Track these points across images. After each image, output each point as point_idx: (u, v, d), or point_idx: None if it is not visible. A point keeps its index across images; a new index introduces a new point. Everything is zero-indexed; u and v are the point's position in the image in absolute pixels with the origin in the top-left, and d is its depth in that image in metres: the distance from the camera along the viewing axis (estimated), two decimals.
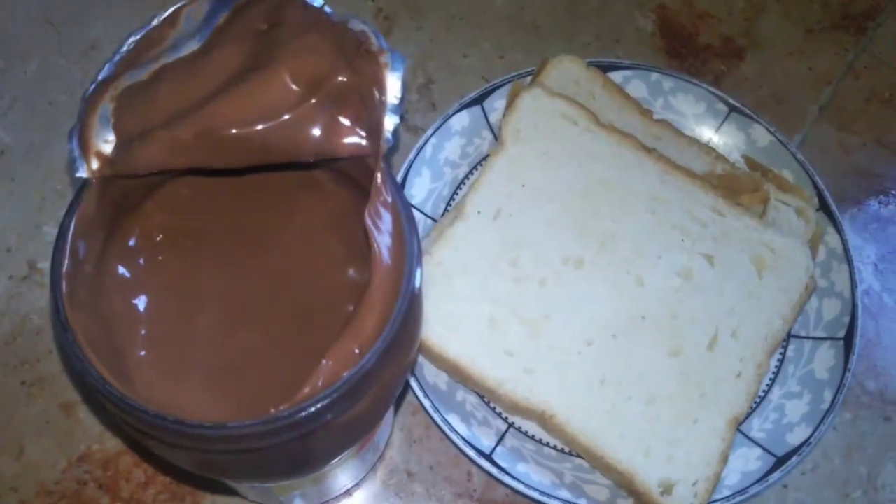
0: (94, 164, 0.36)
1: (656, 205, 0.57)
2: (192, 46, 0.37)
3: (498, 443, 0.52)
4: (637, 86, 0.63)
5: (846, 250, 0.58)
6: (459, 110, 0.60)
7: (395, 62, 0.37)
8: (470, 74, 0.68)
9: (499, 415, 0.54)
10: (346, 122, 0.35)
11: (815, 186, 0.60)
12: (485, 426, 0.53)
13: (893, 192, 0.66)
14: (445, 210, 0.59)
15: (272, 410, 0.32)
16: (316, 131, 0.35)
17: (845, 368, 0.55)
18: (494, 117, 0.61)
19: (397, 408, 0.55)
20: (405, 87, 0.37)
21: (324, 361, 0.33)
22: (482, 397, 0.54)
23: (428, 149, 0.59)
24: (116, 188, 0.37)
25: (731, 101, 0.63)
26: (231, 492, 0.53)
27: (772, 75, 0.70)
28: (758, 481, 0.52)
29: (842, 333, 0.56)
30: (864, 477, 0.57)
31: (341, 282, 0.40)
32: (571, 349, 0.53)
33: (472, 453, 0.51)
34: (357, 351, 0.34)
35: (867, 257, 0.63)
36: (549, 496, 0.50)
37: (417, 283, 0.36)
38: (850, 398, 0.58)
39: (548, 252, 0.55)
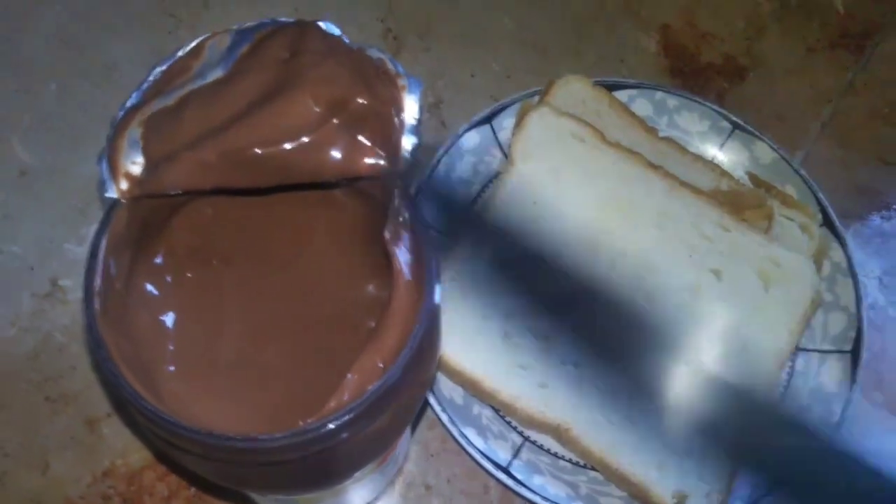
0: (123, 185, 0.37)
1: (664, 221, 0.58)
2: (217, 74, 0.39)
3: (514, 456, 0.53)
4: (642, 104, 0.65)
5: (850, 265, 0.59)
6: (469, 129, 0.62)
7: (411, 85, 0.38)
8: (478, 94, 0.69)
9: (514, 428, 0.55)
10: (365, 142, 0.37)
11: (819, 202, 0.61)
12: (501, 439, 0.54)
13: (895, 207, 0.67)
14: None
15: (300, 423, 0.34)
16: (337, 152, 0.36)
17: (852, 382, 0.56)
18: (504, 136, 0.63)
19: (415, 422, 0.56)
20: (422, 109, 0.38)
21: (349, 375, 0.35)
22: (497, 411, 0.55)
23: (440, 168, 0.60)
24: (144, 208, 0.38)
25: (735, 118, 0.64)
26: None
27: (773, 93, 0.71)
28: (769, 494, 0.53)
29: (848, 347, 0.57)
30: None
31: (361, 298, 0.41)
32: (584, 363, 0.54)
33: (489, 466, 0.52)
34: (381, 365, 0.35)
35: (871, 272, 0.64)
36: None
37: (437, 299, 0.37)
38: (857, 412, 0.59)
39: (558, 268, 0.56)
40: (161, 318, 0.39)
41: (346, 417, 0.34)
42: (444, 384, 0.55)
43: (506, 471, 0.52)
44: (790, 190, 0.62)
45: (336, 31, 0.41)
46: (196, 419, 0.37)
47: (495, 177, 0.62)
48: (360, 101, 0.37)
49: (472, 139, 0.62)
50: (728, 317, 0.56)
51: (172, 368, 0.39)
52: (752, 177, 0.63)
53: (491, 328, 0.54)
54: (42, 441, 0.55)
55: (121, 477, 0.54)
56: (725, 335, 0.56)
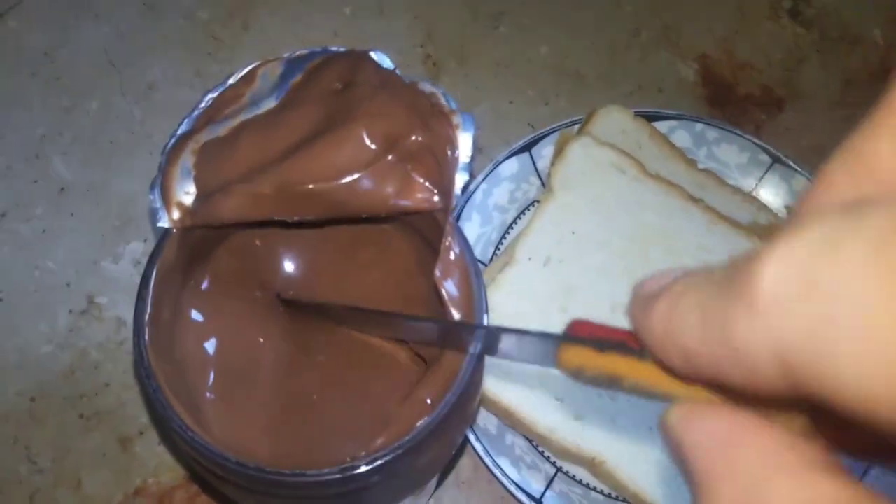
0: (175, 215, 0.38)
1: (702, 253, 0.58)
2: (269, 104, 0.39)
3: (547, 487, 0.53)
4: (682, 135, 0.64)
5: None
6: (509, 157, 0.62)
7: (465, 122, 0.38)
8: (515, 120, 0.69)
9: (547, 458, 0.55)
10: (419, 179, 0.37)
11: None
12: (534, 470, 0.54)
13: None
14: (494, 254, 0.61)
15: (348, 459, 0.34)
16: (390, 188, 0.37)
17: None
18: (542, 164, 0.63)
19: (456, 454, 0.56)
20: (475, 146, 0.38)
21: (397, 411, 0.35)
22: (530, 441, 0.55)
23: (478, 194, 0.60)
24: (194, 237, 0.39)
25: (775, 151, 0.64)
26: None
27: (812, 125, 0.71)
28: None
29: None
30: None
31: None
32: (620, 396, 0.54)
33: (522, 497, 0.52)
34: (429, 401, 0.35)
35: None
36: None
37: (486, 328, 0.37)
38: None
39: (597, 299, 0.56)
40: (204, 344, 0.40)
41: (396, 453, 0.34)
42: (479, 414, 0.55)
43: (539, 502, 0.52)
44: None
45: (389, 63, 0.41)
46: (238, 448, 0.37)
47: (532, 204, 0.62)
48: (416, 137, 0.37)
49: (510, 167, 0.62)
50: None
51: (212, 395, 0.39)
52: (791, 211, 0.63)
53: None
54: (75, 458, 0.55)
55: (152, 496, 0.54)
56: None
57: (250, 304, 0.42)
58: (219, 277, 0.41)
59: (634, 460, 0.52)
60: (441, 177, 0.37)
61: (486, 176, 0.61)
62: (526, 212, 0.62)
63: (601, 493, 0.54)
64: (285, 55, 0.42)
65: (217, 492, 0.44)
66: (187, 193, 0.38)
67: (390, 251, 0.42)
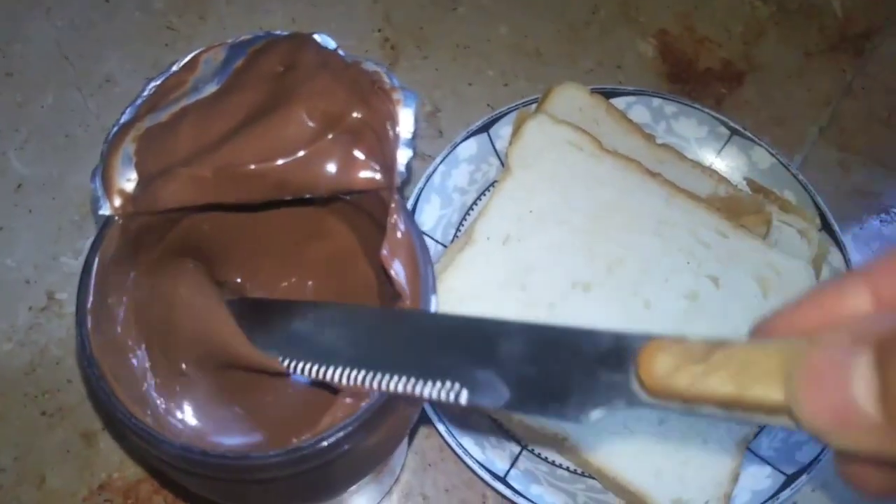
0: (117, 202, 0.37)
1: (662, 228, 0.58)
2: (211, 89, 0.39)
3: (512, 465, 0.53)
4: (640, 111, 0.64)
5: (849, 268, 0.59)
6: (467, 138, 0.62)
7: (407, 98, 0.38)
8: (475, 102, 0.69)
9: (511, 437, 0.55)
10: (360, 156, 0.37)
11: (817, 207, 0.61)
12: (498, 449, 0.54)
13: (894, 210, 0.67)
14: (455, 236, 0.60)
15: (294, 440, 0.34)
16: (332, 166, 0.36)
17: None
18: (501, 144, 0.62)
19: (412, 432, 0.56)
20: (417, 122, 0.38)
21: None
22: (495, 420, 0.55)
23: (437, 176, 0.60)
24: (137, 224, 0.38)
25: (733, 124, 0.64)
26: None
27: (772, 98, 0.71)
28: (768, 500, 0.53)
29: None
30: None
31: None
32: None
33: (486, 476, 0.52)
34: None
35: None
36: None
37: (433, 311, 0.37)
38: None
39: (556, 276, 0.56)
40: (154, 333, 0.39)
41: (340, 434, 0.33)
42: None
43: (503, 481, 0.52)
44: (788, 195, 0.62)
45: (332, 44, 0.40)
46: (186, 434, 0.37)
47: (492, 185, 0.62)
48: (356, 115, 0.36)
49: (469, 148, 0.62)
50: (726, 323, 0.56)
51: (159, 383, 0.38)
52: (751, 182, 0.63)
53: None
54: (38, 455, 0.55)
55: (117, 490, 0.54)
56: None
57: (197, 290, 0.42)
58: (167, 266, 0.41)
59: (597, 436, 0.52)
60: (383, 154, 0.37)
61: (445, 158, 0.61)
62: (486, 192, 0.62)
63: (566, 469, 0.54)
64: (228, 41, 0.42)
65: (176, 484, 0.44)
66: (129, 181, 0.38)
67: (337, 232, 0.42)
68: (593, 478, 0.54)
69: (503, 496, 0.52)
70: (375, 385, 0.32)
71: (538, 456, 0.55)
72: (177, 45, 0.70)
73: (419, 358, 0.32)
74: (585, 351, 0.29)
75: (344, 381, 0.33)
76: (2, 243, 0.61)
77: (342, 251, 0.42)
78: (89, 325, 0.35)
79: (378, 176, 0.37)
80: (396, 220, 0.36)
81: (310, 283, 0.43)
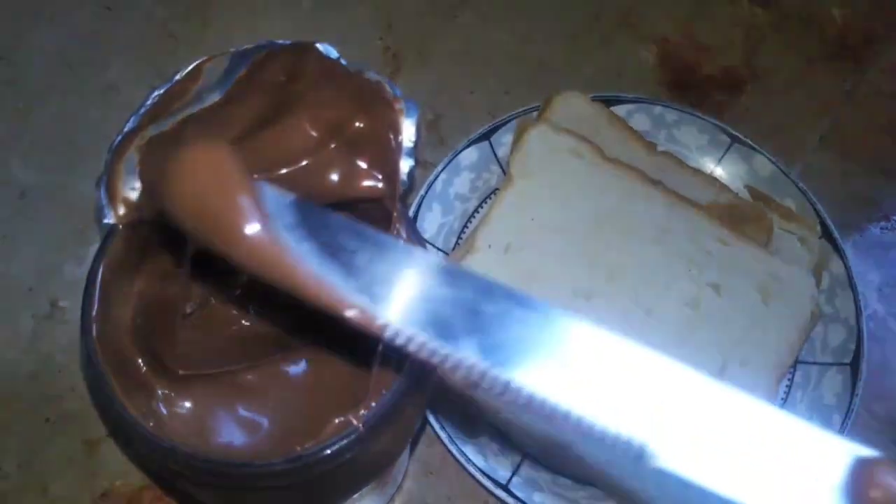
0: (121, 211, 0.37)
1: (663, 236, 0.58)
2: (215, 98, 0.39)
3: (514, 473, 0.53)
4: (640, 119, 0.65)
5: (850, 277, 0.59)
6: (468, 146, 0.62)
7: (409, 108, 0.38)
8: (477, 110, 0.69)
9: (514, 445, 0.55)
10: (363, 165, 0.37)
11: (818, 214, 0.61)
12: (500, 457, 0.54)
13: (894, 218, 0.67)
14: (456, 243, 0.61)
15: (297, 449, 0.34)
16: (335, 175, 0.37)
17: (853, 394, 0.56)
18: (502, 152, 0.63)
19: (414, 440, 0.56)
20: (419, 132, 0.38)
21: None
22: (497, 428, 0.55)
23: (438, 184, 0.60)
24: (141, 233, 0.39)
25: (734, 132, 0.64)
26: None
27: (772, 105, 0.71)
28: None
29: (848, 359, 0.57)
30: None
31: None
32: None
33: (489, 484, 0.52)
34: (384, 391, 0.35)
35: (871, 283, 0.64)
36: None
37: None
38: (859, 423, 0.59)
39: (557, 285, 0.56)
40: (159, 341, 0.40)
41: (344, 442, 0.34)
42: (445, 402, 0.55)
43: (506, 489, 0.52)
44: (789, 202, 0.62)
45: (334, 53, 0.41)
46: (191, 441, 0.37)
47: (493, 193, 0.62)
48: (358, 124, 0.37)
49: (470, 155, 0.62)
50: (728, 331, 0.56)
51: (166, 390, 0.38)
52: (752, 190, 0.63)
53: None
54: (41, 463, 0.55)
55: (120, 498, 0.54)
56: (724, 349, 0.55)
57: (205, 299, 0.42)
58: (168, 273, 0.41)
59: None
60: (385, 163, 0.37)
61: (446, 166, 0.61)
62: (487, 200, 0.62)
63: (569, 477, 0.54)
64: (231, 49, 0.42)
65: (179, 491, 0.44)
66: (133, 189, 0.38)
67: None
68: (595, 485, 0.54)
69: None
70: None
71: (540, 464, 0.55)
72: (179, 53, 0.70)
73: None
74: None
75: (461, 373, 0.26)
76: (5, 251, 0.61)
77: None
78: (94, 333, 0.36)
79: (380, 185, 0.37)
80: (399, 229, 0.37)
81: None
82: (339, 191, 0.37)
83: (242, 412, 0.40)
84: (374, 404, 0.35)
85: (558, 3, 0.75)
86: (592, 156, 0.60)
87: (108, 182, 0.38)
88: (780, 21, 0.76)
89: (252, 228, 0.26)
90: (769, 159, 0.63)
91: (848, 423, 0.55)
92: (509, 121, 0.63)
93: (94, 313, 0.36)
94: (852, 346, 0.57)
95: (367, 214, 0.41)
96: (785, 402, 0.57)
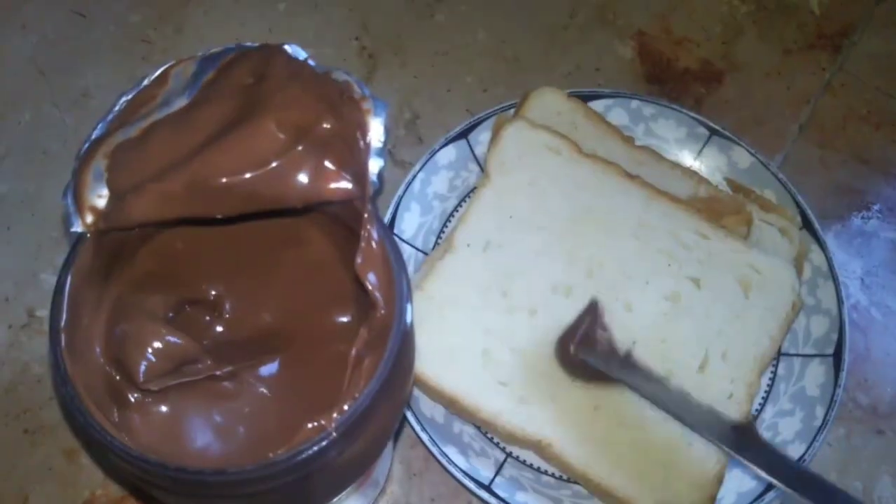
0: (89, 219, 0.37)
1: (642, 230, 0.58)
2: (182, 103, 0.38)
3: (496, 473, 0.53)
4: (618, 113, 0.64)
5: (831, 267, 0.59)
6: (445, 145, 0.61)
7: (377, 108, 0.38)
8: (454, 108, 0.69)
9: (496, 444, 0.55)
10: (331, 166, 0.36)
11: (798, 205, 0.61)
12: (483, 457, 0.53)
13: (875, 206, 0.67)
14: (436, 243, 0.60)
15: (270, 455, 0.33)
16: (303, 177, 0.36)
17: (836, 385, 0.55)
18: (480, 150, 0.62)
19: (396, 441, 0.56)
20: (388, 132, 0.38)
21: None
22: (479, 427, 0.55)
23: (416, 184, 0.60)
24: (111, 241, 0.38)
25: (712, 124, 0.64)
26: None
27: (751, 97, 0.71)
28: (753, 501, 0.53)
29: (831, 350, 0.57)
30: (860, 491, 0.57)
31: (332, 324, 0.41)
32: (564, 378, 0.53)
33: (471, 485, 0.51)
34: (356, 395, 0.35)
35: (853, 272, 0.64)
36: None
37: (409, 320, 0.37)
38: (842, 413, 0.59)
39: (537, 281, 0.56)
40: (129, 350, 0.39)
41: (317, 447, 0.33)
42: (425, 403, 0.54)
43: (488, 489, 0.51)
44: (769, 194, 0.62)
45: (302, 54, 0.40)
46: (163, 450, 0.37)
47: (472, 191, 0.62)
48: (325, 125, 0.36)
49: (448, 154, 0.61)
50: (708, 325, 0.56)
51: (136, 400, 0.38)
52: (731, 182, 0.63)
53: (469, 345, 0.54)
54: (20, 473, 0.55)
55: None
56: (705, 343, 0.55)
57: (176, 308, 0.41)
58: (142, 283, 0.41)
59: (581, 441, 0.52)
60: (354, 163, 0.36)
61: (424, 165, 0.61)
62: (467, 199, 0.62)
63: (552, 475, 0.54)
64: (199, 54, 0.42)
65: (157, 501, 0.44)
66: (100, 197, 0.37)
67: (311, 245, 0.42)
68: (578, 483, 0.54)
69: None
70: None
71: (523, 463, 0.54)
72: (153, 58, 0.70)
73: None
74: None
75: None
76: None
77: (318, 259, 0.42)
78: (63, 344, 0.35)
79: (350, 186, 0.36)
80: (370, 231, 0.36)
81: (286, 291, 0.43)
82: (308, 192, 0.36)
83: (217, 419, 0.40)
84: (347, 408, 0.34)
85: (534, 0, 0.75)
86: (570, 151, 0.59)
87: (76, 190, 0.37)
88: (757, 12, 0.75)
89: None
90: (748, 151, 0.63)
91: (831, 414, 0.55)
92: (486, 118, 0.63)
93: (62, 324, 0.35)
94: (835, 337, 0.57)
95: (337, 215, 0.41)
96: (768, 396, 0.57)
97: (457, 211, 0.61)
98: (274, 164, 0.36)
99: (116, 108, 0.40)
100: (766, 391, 0.57)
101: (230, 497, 0.35)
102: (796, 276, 0.58)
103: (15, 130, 0.66)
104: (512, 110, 0.63)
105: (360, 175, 0.37)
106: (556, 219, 0.58)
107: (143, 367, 0.37)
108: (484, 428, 0.54)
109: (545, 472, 0.54)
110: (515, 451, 0.55)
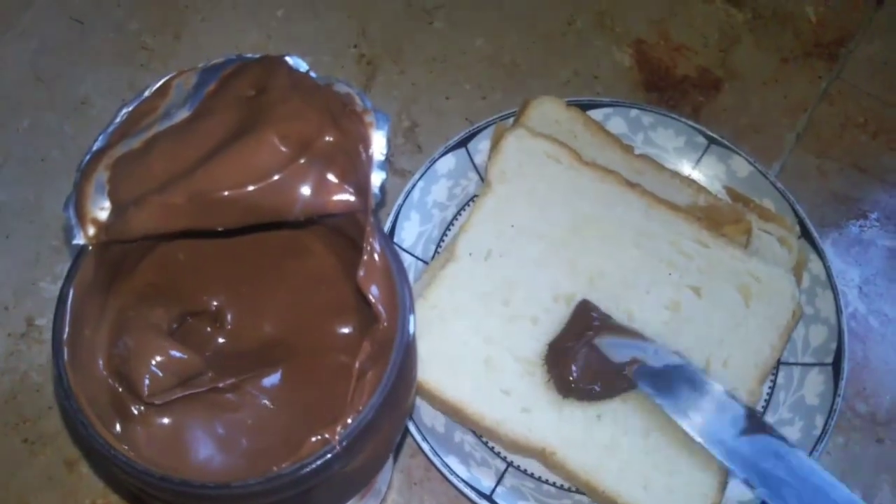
0: (91, 231, 0.37)
1: (642, 239, 0.58)
2: (183, 114, 0.38)
3: (498, 482, 0.53)
4: (617, 122, 0.64)
5: (829, 276, 0.59)
6: (445, 153, 0.61)
7: (379, 121, 0.38)
8: (453, 116, 0.69)
9: (497, 454, 0.55)
10: (334, 179, 0.36)
11: (796, 214, 0.61)
12: (484, 466, 0.53)
13: (872, 215, 0.67)
14: (436, 252, 0.60)
15: (274, 468, 0.33)
16: (305, 190, 0.36)
17: (835, 394, 0.56)
18: (479, 159, 0.62)
19: (397, 451, 0.56)
20: (390, 144, 0.38)
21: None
22: (480, 437, 0.55)
23: (415, 193, 0.60)
24: (113, 253, 0.38)
25: (710, 133, 0.64)
26: None
27: (749, 105, 0.71)
28: None
29: (830, 359, 0.57)
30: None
31: (334, 335, 0.41)
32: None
33: (472, 495, 0.51)
34: (360, 408, 0.35)
35: (851, 281, 0.64)
36: None
37: (411, 332, 0.37)
38: (841, 422, 0.59)
39: (539, 290, 0.56)
40: (133, 364, 0.39)
41: (321, 461, 0.33)
42: (426, 412, 0.54)
43: (489, 499, 0.51)
44: (768, 203, 0.62)
45: (303, 66, 0.40)
46: (167, 463, 0.37)
47: (472, 200, 0.62)
48: (327, 138, 0.36)
49: (447, 163, 0.62)
50: (709, 333, 0.56)
51: (139, 412, 0.38)
52: (730, 191, 0.63)
53: (471, 353, 0.54)
54: (20, 483, 0.54)
55: None
56: (706, 352, 0.55)
57: (178, 320, 0.41)
58: (144, 295, 0.41)
59: (584, 449, 0.52)
60: (356, 176, 0.37)
61: (423, 174, 0.61)
62: (466, 207, 0.62)
63: (553, 484, 0.54)
64: (200, 65, 0.41)
65: None
66: (102, 209, 0.37)
67: (313, 257, 0.42)
68: (581, 492, 0.54)
69: None
70: None
71: (524, 472, 0.54)
72: (152, 65, 0.70)
73: None
74: None
75: None
76: None
77: (321, 270, 0.42)
78: (66, 356, 0.35)
79: (352, 199, 0.36)
80: (372, 243, 0.36)
81: (288, 302, 0.43)
82: (310, 205, 0.36)
83: (220, 431, 0.40)
84: (351, 421, 0.34)
85: (533, 7, 0.75)
86: (570, 160, 0.60)
87: (77, 202, 0.37)
88: (754, 20, 0.76)
89: None
90: (747, 160, 0.63)
91: (831, 423, 0.55)
92: (486, 127, 0.63)
93: (65, 336, 0.35)
94: (834, 346, 0.57)
95: (340, 227, 0.41)
96: (768, 405, 0.57)
97: (456, 219, 0.62)
98: (276, 177, 0.36)
99: (118, 119, 0.40)
100: (765, 400, 0.57)
101: None
102: (796, 285, 0.58)
103: (13, 138, 0.66)
104: (511, 119, 0.63)
105: (362, 188, 0.37)
106: (557, 227, 0.58)
107: (147, 382, 0.37)
108: (487, 437, 0.54)
109: (546, 482, 0.54)
110: (516, 460, 0.55)
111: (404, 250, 0.59)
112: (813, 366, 0.57)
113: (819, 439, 0.54)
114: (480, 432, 0.54)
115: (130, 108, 0.40)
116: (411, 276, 0.58)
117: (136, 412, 0.38)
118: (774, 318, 0.57)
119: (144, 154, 0.38)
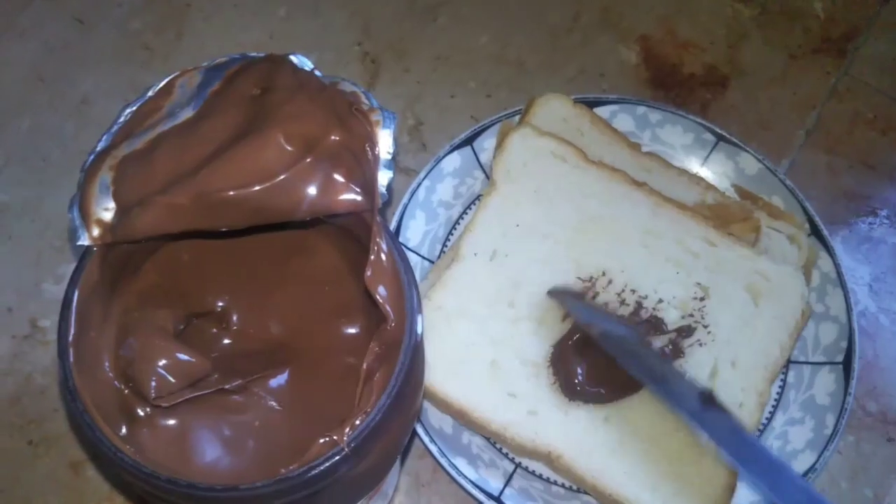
0: (95, 232, 0.36)
1: (649, 238, 0.57)
2: (187, 114, 0.38)
3: (506, 484, 0.52)
4: (624, 120, 0.64)
5: (839, 274, 0.59)
6: (450, 152, 0.61)
7: (385, 119, 0.37)
8: (458, 114, 0.68)
9: (505, 455, 0.54)
10: (340, 178, 0.36)
11: (806, 212, 0.61)
12: (492, 468, 0.53)
13: (882, 212, 0.67)
14: (442, 251, 0.60)
15: (282, 470, 0.33)
16: (311, 189, 0.36)
17: (846, 392, 0.55)
18: (485, 157, 0.62)
19: (405, 453, 0.56)
20: (397, 143, 0.38)
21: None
22: (488, 438, 0.54)
23: (421, 192, 0.60)
24: (117, 254, 0.38)
25: (719, 130, 0.63)
26: None
27: (757, 102, 0.71)
28: None
29: (840, 358, 0.56)
30: (871, 499, 0.57)
31: (341, 336, 0.41)
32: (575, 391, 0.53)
33: (481, 496, 0.51)
34: (368, 409, 0.34)
35: (861, 278, 0.64)
36: None
37: (419, 332, 0.36)
38: (852, 421, 0.59)
39: (544, 291, 0.55)
40: (140, 367, 0.39)
41: (329, 463, 0.33)
42: (433, 414, 0.54)
43: (498, 500, 0.51)
44: (777, 200, 0.62)
45: (308, 64, 0.40)
46: (174, 465, 0.36)
47: (477, 198, 0.61)
48: (334, 137, 0.36)
49: (453, 161, 0.61)
50: (717, 333, 0.55)
51: (145, 414, 0.38)
52: (739, 189, 0.63)
53: (477, 356, 0.54)
54: (25, 486, 0.54)
55: None
56: (715, 352, 0.55)
57: (183, 321, 0.41)
58: (148, 295, 0.40)
59: (591, 452, 0.52)
60: (363, 176, 0.36)
61: (429, 173, 0.60)
62: (472, 206, 0.62)
63: (561, 486, 0.54)
64: (204, 64, 0.41)
65: None
66: (106, 210, 0.37)
67: (318, 256, 0.41)
68: (589, 494, 0.53)
69: None
70: None
71: (532, 473, 0.54)
72: (153, 64, 0.69)
73: None
74: None
75: None
76: None
77: (327, 270, 0.42)
78: (71, 358, 0.35)
79: (359, 198, 0.36)
80: (379, 243, 0.36)
81: (294, 303, 0.42)
82: (316, 205, 0.36)
83: (226, 432, 0.39)
84: (359, 423, 0.34)
85: (538, 3, 0.74)
86: (576, 159, 0.59)
87: (81, 203, 0.37)
88: (761, 16, 0.75)
89: None
90: (755, 157, 0.63)
91: (842, 423, 0.54)
92: (491, 125, 0.62)
93: (70, 338, 0.35)
94: (844, 344, 0.57)
95: (346, 226, 0.40)
96: (778, 404, 0.57)
97: (462, 218, 0.61)
98: (282, 177, 0.35)
99: (121, 119, 0.40)
100: (775, 399, 0.57)
101: None
102: (805, 284, 0.57)
103: (14, 138, 0.65)
104: (517, 117, 0.63)
105: (368, 187, 0.36)
106: (563, 227, 0.57)
107: (153, 384, 0.37)
108: (494, 440, 0.54)
109: (555, 483, 0.54)
110: (525, 461, 0.54)
111: (410, 249, 0.58)
112: (823, 364, 0.57)
113: (830, 439, 0.54)
114: (488, 436, 0.54)
115: (134, 108, 0.40)
116: (417, 276, 0.57)
117: (142, 414, 0.38)
118: (784, 317, 0.56)
119: (148, 154, 0.37)
